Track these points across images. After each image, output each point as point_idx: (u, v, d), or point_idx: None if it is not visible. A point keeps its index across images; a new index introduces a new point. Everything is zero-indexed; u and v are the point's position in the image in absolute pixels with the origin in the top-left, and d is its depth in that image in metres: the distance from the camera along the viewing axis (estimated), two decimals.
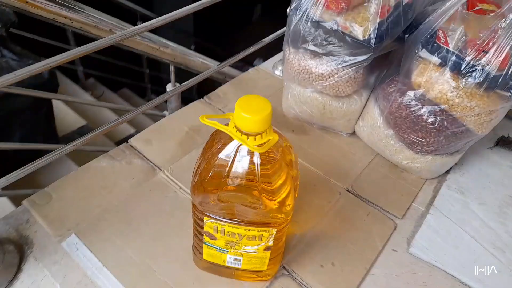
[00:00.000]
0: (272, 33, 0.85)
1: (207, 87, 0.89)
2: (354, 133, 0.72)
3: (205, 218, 0.40)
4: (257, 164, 0.36)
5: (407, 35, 0.62)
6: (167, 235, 0.52)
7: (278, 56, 0.89)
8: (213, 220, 0.40)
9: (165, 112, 0.89)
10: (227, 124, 0.36)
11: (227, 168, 0.36)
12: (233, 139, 0.36)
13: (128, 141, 0.64)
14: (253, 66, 0.87)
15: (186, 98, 0.85)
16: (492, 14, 0.54)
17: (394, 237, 0.56)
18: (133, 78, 2.62)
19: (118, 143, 1.68)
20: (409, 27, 0.62)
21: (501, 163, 0.70)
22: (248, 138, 0.35)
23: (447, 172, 0.66)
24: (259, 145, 0.35)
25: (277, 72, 0.85)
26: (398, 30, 0.61)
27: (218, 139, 0.39)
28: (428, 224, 0.58)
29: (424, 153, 0.61)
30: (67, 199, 0.54)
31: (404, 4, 0.60)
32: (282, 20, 0.76)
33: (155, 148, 0.64)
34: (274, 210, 0.38)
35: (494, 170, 0.68)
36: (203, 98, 0.75)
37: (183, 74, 0.97)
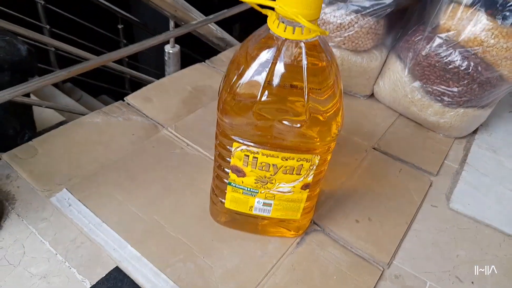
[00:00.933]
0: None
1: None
2: (372, 95, 0.66)
3: (234, 145, 0.33)
4: (304, 66, 0.29)
5: None
6: (177, 191, 0.44)
7: None
8: (244, 147, 0.33)
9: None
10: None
11: (267, 72, 0.29)
12: (272, 41, 0.29)
13: (124, 98, 0.57)
14: None
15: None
16: None
17: (432, 193, 0.50)
18: (113, 84, 2.52)
19: None
20: None
21: None
22: (294, 30, 0.28)
23: (474, 132, 0.62)
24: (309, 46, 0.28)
25: None
26: None
27: (250, 47, 0.32)
28: (465, 180, 0.52)
29: (455, 105, 0.56)
30: (56, 154, 0.46)
31: None
32: None
33: (156, 106, 0.56)
34: (322, 129, 0.31)
35: None
36: (204, 62, 0.69)
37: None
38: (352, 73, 0.62)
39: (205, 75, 0.65)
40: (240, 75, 0.31)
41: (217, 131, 0.35)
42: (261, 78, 0.30)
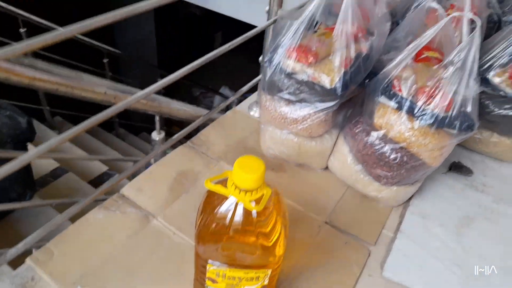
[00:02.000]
0: (234, 58, 0.93)
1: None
2: (327, 168, 0.80)
3: (208, 265, 0.45)
4: (254, 216, 0.42)
5: (367, 81, 0.71)
6: (166, 281, 0.56)
7: (253, 98, 0.96)
8: (215, 267, 0.45)
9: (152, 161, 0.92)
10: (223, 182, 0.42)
11: (228, 221, 0.42)
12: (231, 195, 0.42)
13: (120, 191, 0.68)
14: (219, 93, 0.93)
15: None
16: (436, 66, 0.64)
17: (369, 262, 0.63)
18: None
19: (91, 182, 1.67)
20: (369, 74, 0.71)
21: (454, 185, 0.79)
22: (246, 194, 0.41)
23: (410, 198, 0.75)
24: (256, 200, 0.41)
25: (253, 113, 0.92)
26: (360, 78, 0.70)
27: (216, 195, 0.45)
28: (397, 248, 0.66)
29: (390, 185, 0.70)
30: (69, 253, 0.57)
31: (363, 56, 0.70)
32: (243, 46, 0.84)
33: (147, 195, 0.68)
34: (270, 254, 0.44)
35: (449, 193, 0.78)
36: (187, 143, 0.80)
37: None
38: (308, 154, 0.75)
39: (187, 158, 0.77)
40: (209, 220, 0.43)
41: (195, 250, 0.47)
42: (224, 223, 0.42)
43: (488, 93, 0.82)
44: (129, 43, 3.28)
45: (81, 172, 1.58)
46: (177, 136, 0.73)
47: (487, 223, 0.72)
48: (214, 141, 0.82)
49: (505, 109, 0.80)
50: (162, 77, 0.63)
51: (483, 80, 0.82)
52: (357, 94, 0.76)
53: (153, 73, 3.27)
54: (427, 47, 0.68)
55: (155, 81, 0.61)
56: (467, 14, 0.63)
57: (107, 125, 2.75)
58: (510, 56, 0.79)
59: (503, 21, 1.03)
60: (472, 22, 0.64)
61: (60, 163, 1.55)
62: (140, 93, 0.58)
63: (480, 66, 0.83)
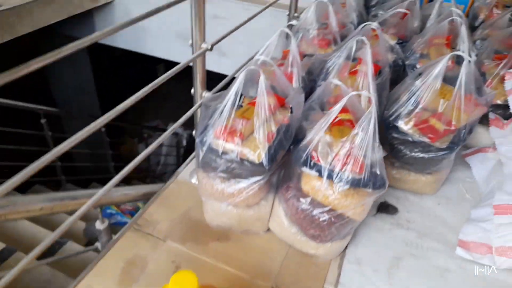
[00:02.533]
0: (177, 89, 0.96)
1: None
2: (269, 229, 0.85)
3: None
4: None
5: (292, 146, 0.79)
6: None
7: (193, 164, 1.00)
8: None
9: (97, 244, 0.93)
10: None
11: None
12: None
13: None
14: (166, 128, 0.95)
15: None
16: (344, 139, 0.72)
17: None
18: (44, 173, 2.52)
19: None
20: (293, 141, 0.78)
21: (383, 227, 0.88)
22: None
23: (346, 247, 0.83)
24: None
25: (194, 181, 0.96)
26: (284, 147, 0.77)
27: None
28: None
29: (325, 242, 0.76)
30: None
31: (284, 129, 0.77)
32: (185, 73, 0.88)
33: None
34: None
35: (379, 235, 0.86)
36: (132, 225, 0.83)
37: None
38: (249, 221, 0.81)
39: (133, 244, 0.79)
40: None
41: None
42: None
43: (400, 138, 0.92)
44: (67, 97, 3.21)
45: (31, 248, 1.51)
46: (122, 231, 0.75)
47: (414, 260, 0.81)
48: (159, 219, 0.85)
49: (415, 152, 0.91)
50: (107, 127, 0.65)
51: (394, 128, 0.93)
52: (286, 158, 0.83)
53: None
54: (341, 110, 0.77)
55: (99, 131, 0.63)
56: (364, 93, 0.73)
57: (53, 183, 2.65)
58: (412, 105, 0.91)
59: (406, 65, 1.16)
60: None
61: (6, 243, 1.48)
62: (77, 199, 0.61)
63: (390, 115, 0.95)
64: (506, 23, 1.24)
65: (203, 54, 0.87)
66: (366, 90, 0.94)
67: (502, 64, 1.06)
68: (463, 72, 0.86)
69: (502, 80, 1.06)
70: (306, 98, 1.03)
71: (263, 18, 1.45)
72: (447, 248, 0.83)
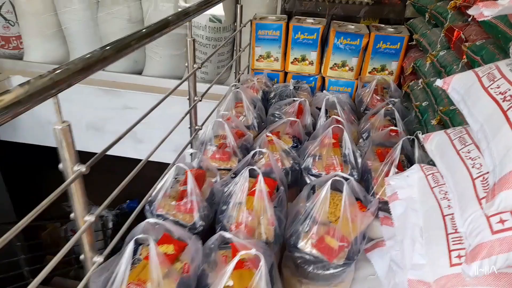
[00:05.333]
0: None
1: None
2: None
3: None
4: None
5: None
6: None
7: None
8: None
9: None
10: None
11: None
12: None
13: None
14: None
15: None
16: None
17: None
18: None
19: None
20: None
21: None
22: None
23: None
24: None
25: None
26: None
27: None
28: None
29: None
30: None
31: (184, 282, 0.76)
32: None
33: None
34: None
35: None
36: None
37: None
38: None
39: None
40: None
41: None
42: None
43: (302, 257, 0.96)
44: None
45: None
46: None
47: None
48: None
49: (317, 269, 0.95)
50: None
51: (296, 248, 0.97)
52: None
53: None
54: None
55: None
56: (253, 251, 0.75)
57: None
58: (308, 225, 0.96)
59: (303, 169, 1.24)
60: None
61: None
62: None
63: (291, 235, 0.99)
64: (382, 118, 1.41)
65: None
66: (265, 214, 0.99)
67: (384, 162, 1.17)
68: (346, 194, 0.94)
69: (387, 175, 1.18)
70: (211, 225, 1.05)
71: (177, 105, 1.44)
72: None
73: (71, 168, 0.71)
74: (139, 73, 2.59)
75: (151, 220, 0.79)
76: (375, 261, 1.10)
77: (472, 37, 1.13)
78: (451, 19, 1.34)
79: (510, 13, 0.76)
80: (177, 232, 0.85)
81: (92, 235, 0.79)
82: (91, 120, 2.48)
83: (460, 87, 0.82)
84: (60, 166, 0.71)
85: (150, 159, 1.04)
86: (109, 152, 0.85)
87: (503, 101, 0.67)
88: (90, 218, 0.77)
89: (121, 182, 0.89)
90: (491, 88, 0.71)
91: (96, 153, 0.79)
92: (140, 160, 1.03)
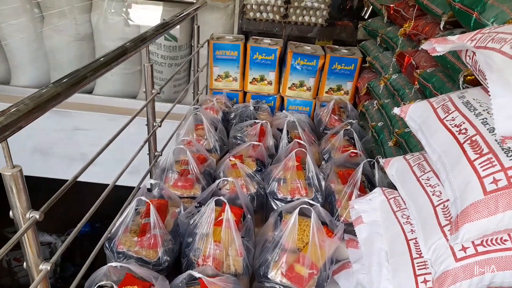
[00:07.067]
0: None
1: None
2: None
3: None
4: None
5: None
6: None
7: None
8: None
9: None
10: None
11: None
12: None
13: None
14: None
15: None
16: None
17: None
18: None
19: None
20: None
21: None
22: None
23: None
24: None
25: None
26: None
27: None
28: None
29: None
30: None
31: None
32: None
33: None
34: None
35: None
36: None
37: None
38: None
39: None
40: None
41: None
42: None
43: (273, 287, 0.95)
44: None
45: None
46: None
47: None
48: None
49: None
50: None
51: (267, 278, 0.95)
52: None
53: None
54: None
55: None
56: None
57: None
58: (276, 257, 0.95)
59: (268, 194, 1.24)
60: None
61: None
62: None
63: (260, 265, 0.97)
64: (342, 139, 1.45)
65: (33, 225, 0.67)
66: (233, 245, 0.97)
67: (347, 185, 1.20)
68: (314, 221, 0.95)
69: (350, 198, 1.20)
70: (176, 258, 1.01)
71: (132, 126, 1.37)
72: None
73: (24, 216, 0.65)
74: (89, 92, 2.47)
75: (113, 264, 0.74)
76: (342, 283, 1.11)
77: (422, 64, 1.19)
78: (401, 44, 1.42)
79: (459, 50, 0.81)
80: (141, 273, 0.80)
81: (48, 284, 0.72)
82: (37, 143, 2.32)
83: (417, 116, 0.86)
84: (11, 214, 0.64)
85: (104, 182, 0.97)
86: (59, 176, 0.79)
87: (459, 133, 0.70)
88: (46, 267, 0.70)
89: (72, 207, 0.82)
90: (447, 120, 0.75)
91: (43, 178, 0.73)
92: (92, 183, 0.97)
